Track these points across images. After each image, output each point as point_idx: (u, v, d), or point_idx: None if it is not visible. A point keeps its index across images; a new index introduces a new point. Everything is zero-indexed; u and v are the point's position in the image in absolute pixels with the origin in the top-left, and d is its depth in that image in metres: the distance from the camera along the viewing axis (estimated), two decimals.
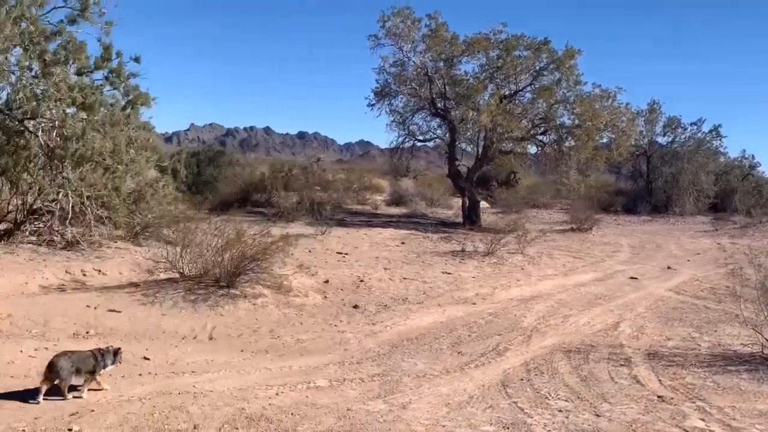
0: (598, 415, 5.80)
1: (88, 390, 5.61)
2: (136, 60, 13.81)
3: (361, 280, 12.48)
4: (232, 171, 28.16)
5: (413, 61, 23.95)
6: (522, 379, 6.95)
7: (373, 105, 25.79)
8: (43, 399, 5.36)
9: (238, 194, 26.00)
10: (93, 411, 5.09)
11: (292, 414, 5.15)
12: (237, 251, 10.56)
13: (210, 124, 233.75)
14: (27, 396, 5.42)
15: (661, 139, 38.38)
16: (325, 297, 11.19)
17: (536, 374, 7.18)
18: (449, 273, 13.93)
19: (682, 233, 26.17)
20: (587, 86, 22.94)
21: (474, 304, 11.30)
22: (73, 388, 5.58)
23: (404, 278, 13.06)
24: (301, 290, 11.15)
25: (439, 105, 24.41)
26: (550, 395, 6.37)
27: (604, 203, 35.42)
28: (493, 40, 22.96)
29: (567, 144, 22.97)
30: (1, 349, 7.13)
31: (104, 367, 5.79)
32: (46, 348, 7.26)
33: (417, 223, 24.34)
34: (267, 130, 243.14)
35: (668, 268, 16.39)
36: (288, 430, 4.78)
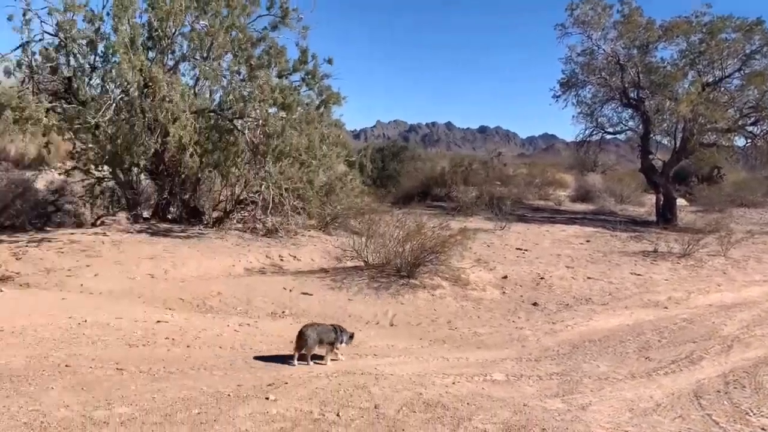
0: None
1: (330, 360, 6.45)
2: (329, 62, 14.76)
3: (542, 278, 12.16)
4: (414, 165, 28.90)
5: (603, 50, 22.71)
6: (718, 392, 6.31)
7: (558, 96, 24.92)
8: (297, 363, 6.29)
9: (419, 188, 26.64)
10: (286, 384, 5.55)
11: (467, 404, 5.20)
12: (417, 243, 10.87)
13: (394, 121, 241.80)
14: (286, 359, 6.38)
15: None
16: (503, 292, 11.08)
17: (736, 387, 6.48)
18: (639, 274, 13.04)
19: None
20: None
21: (666, 308, 10.47)
22: (315, 357, 6.40)
23: (588, 278, 12.48)
24: (478, 284, 11.16)
25: (631, 95, 22.88)
26: (752, 411, 5.72)
27: None
28: (695, 23, 20.97)
29: None
30: (212, 322, 8.05)
31: (341, 342, 6.52)
32: (249, 324, 8.07)
33: (604, 220, 23.08)
34: (448, 125, 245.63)
35: None
36: (463, 418, 4.84)
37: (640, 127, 23.50)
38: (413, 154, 31.56)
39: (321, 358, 6.44)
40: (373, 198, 18.19)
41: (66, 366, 5.71)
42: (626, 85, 22.57)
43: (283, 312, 9.09)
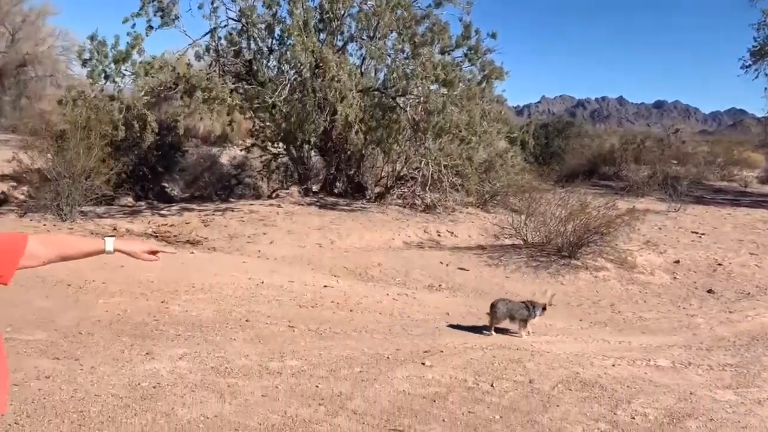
0: None
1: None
2: (493, 36, 14.58)
3: (719, 264, 11.18)
4: (580, 142, 27.71)
5: None
6: None
7: (748, 67, 22.45)
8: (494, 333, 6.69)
9: (585, 166, 25.53)
10: (442, 352, 5.72)
11: (627, 386, 5.01)
12: (580, 222, 10.49)
13: (560, 96, 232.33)
14: (482, 329, 6.78)
15: None
16: (674, 278, 10.37)
17: None
18: None
19: None
20: None
21: None
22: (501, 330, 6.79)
23: None
24: (646, 268, 10.54)
25: None
26: None
27: None
28: None
29: None
30: (373, 290, 8.46)
31: (533, 316, 6.76)
32: (406, 294, 8.36)
33: None
34: (620, 100, 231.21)
35: None
36: (622, 400, 4.67)
37: None
38: (579, 130, 30.23)
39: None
40: (535, 175, 17.75)
41: (246, 321, 6.34)
42: None
43: (440, 285, 9.28)
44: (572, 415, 4.38)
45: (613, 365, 5.73)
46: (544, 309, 6.87)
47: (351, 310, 7.21)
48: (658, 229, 14.41)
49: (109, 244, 2.08)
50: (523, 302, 6.84)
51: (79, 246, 2.05)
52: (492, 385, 4.87)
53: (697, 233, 14.33)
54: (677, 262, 11.25)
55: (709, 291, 9.71)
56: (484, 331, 6.69)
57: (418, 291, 8.89)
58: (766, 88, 22.95)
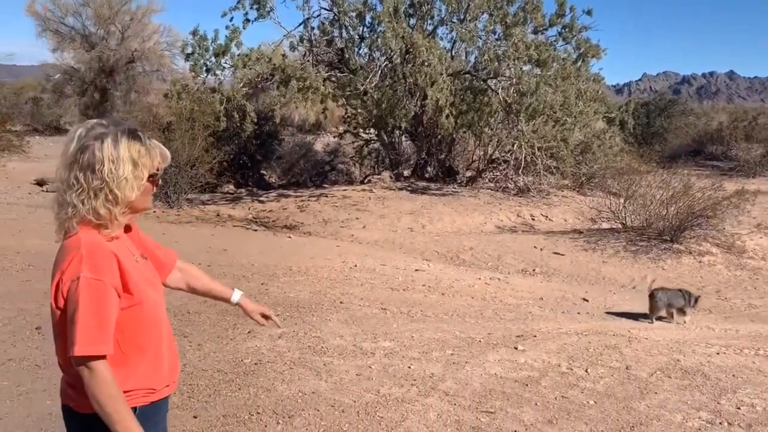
0: None
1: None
2: (588, 13, 14.05)
3: None
4: (685, 121, 26.23)
5: None
6: None
7: None
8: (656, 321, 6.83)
9: (691, 146, 24.19)
10: (535, 337, 5.67)
11: (733, 375, 4.77)
12: (683, 205, 10.00)
13: (664, 73, 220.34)
14: (644, 317, 6.97)
15: None
16: None
17: None
18: None
19: None
20: None
21: None
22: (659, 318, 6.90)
23: None
24: (757, 252, 9.91)
25: None
26: None
27: None
28: None
29: None
30: (464, 274, 8.47)
31: (692, 305, 6.89)
32: (499, 279, 8.31)
33: None
34: (730, 74, 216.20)
35: None
36: (726, 390, 4.46)
37: None
38: (684, 108, 28.58)
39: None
40: (635, 157, 17.00)
41: (340, 303, 6.54)
42: None
43: (534, 270, 9.15)
44: (671, 402, 4.24)
45: (718, 353, 5.47)
46: (697, 300, 6.96)
47: (442, 294, 7.27)
48: None
49: (236, 296, 2.27)
50: (680, 290, 7.00)
51: (210, 286, 2.24)
52: (587, 371, 4.79)
53: None
54: None
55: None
56: (645, 320, 6.79)
57: (511, 276, 8.82)
58: None
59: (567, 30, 14.14)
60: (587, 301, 7.40)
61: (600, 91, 15.92)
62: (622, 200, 11.08)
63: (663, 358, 5.15)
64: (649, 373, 4.78)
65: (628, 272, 8.99)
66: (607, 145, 14.88)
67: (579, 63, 14.32)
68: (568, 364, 4.93)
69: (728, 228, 10.21)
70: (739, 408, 4.25)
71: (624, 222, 10.86)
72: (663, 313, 6.82)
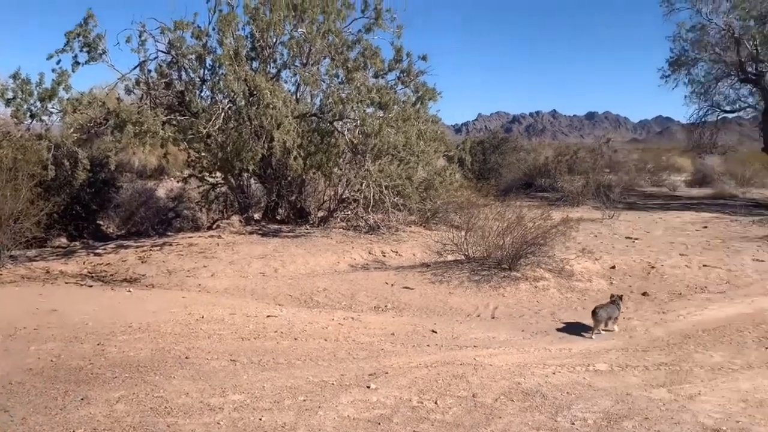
0: None
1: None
2: (423, 58, 14.89)
3: (653, 267, 11.63)
4: (516, 157, 28.39)
5: (716, 23, 21.29)
6: None
7: (667, 77, 23.69)
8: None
9: (523, 179, 26.17)
10: (387, 373, 5.75)
11: (567, 393, 5.16)
12: (518, 234, 10.75)
13: (496, 113, 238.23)
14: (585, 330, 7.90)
15: None
16: (611, 283, 10.72)
17: None
18: (762, 260, 12.16)
19: None
20: None
21: None
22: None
23: (704, 265, 11.79)
24: (584, 275, 10.87)
25: (749, 69, 21.31)
26: None
27: None
28: None
29: None
30: (318, 317, 8.42)
31: (619, 311, 7.99)
32: (352, 318, 8.36)
33: (724, 204, 21.63)
34: (553, 113, 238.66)
35: None
36: (562, 407, 4.81)
37: (761, 103, 21.81)
38: (515, 145, 30.94)
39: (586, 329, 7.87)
40: (475, 191, 18.09)
41: (185, 358, 6.21)
42: (743, 60, 21.09)
43: (386, 306, 9.32)
44: (514, 425, 4.47)
45: (554, 373, 5.89)
46: (621, 298, 8.20)
47: (295, 339, 7.16)
48: (593, 237, 14.88)
49: None
50: (612, 301, 8.05)
51: None
52: (436, 402, 4.93)
53: (630, 238, 14.87)
54: (613, 267, 11.63)
55: (644, 294, 10.08)
56: (587, 334, 7.76)
57: (364, 313, 8.91)
58: (685, 96, 24.15)
59: (405, 74, 14.87)
60: (436, 332, 7.66)
61: (439, 131, 16.81)
62: (463, 233, 11.70)
63: (506, 382, 5.44)
64: (493, 399, 5.02)
65: (472, 301, 9.45)
66: (448, 182, 15.67)
67: (418, 105, 15.06)
68: (419, 397, 5.05)
69: (558, 254, 11.11)
70: (573, 423, 4.58)
71: (467, 253, 11.45)
72: (603, 326, 7.80)
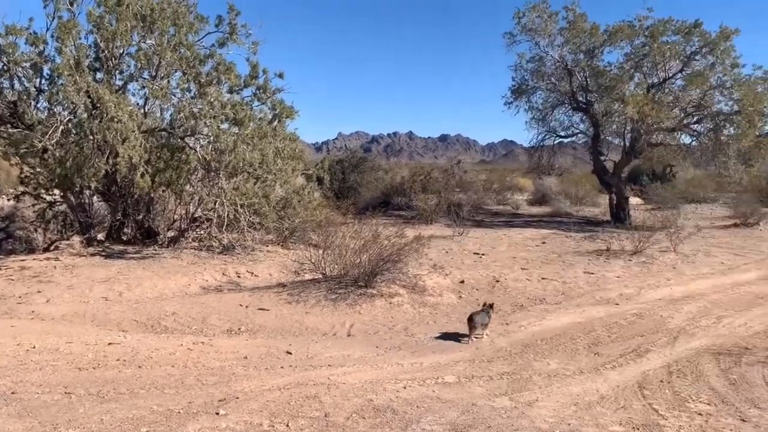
0: (743, 420, 5.34)
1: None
2: (280, 76, 14.83)
3: (497, 280, 12.36)
4: (374, 176, 29.04)
5: (551, 56, 23.24)
6: (662, 381, 6.54)
7: (510, 103, 25.38)
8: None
9: (380, 198, 26.78)
10: (237, 398, 5.56)
11: (417, 407, 5.29)
12: (374, 252, 10.95)
13: (356, 132, 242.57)
14: (462, 337, 8.46)
15: None
16: (460, 297, 11.22)
17: (678, 377, 6.73)
18: (591, 273, 13.36)
19: None
20: (746, 69, 20.90)
21: (617, 304, 10.75)
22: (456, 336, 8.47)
23: (542, 278, 12.73)
24: (436, 290, 11.28)
25: (580, 99, 23.45)
26: (691, 398, 5.95)
27: None
28: (637, 27, 21.61)
29: (725, 132, 20.95)
30: (166, 342, 7.98)
31: (489, 318, 8.63)
32: (203, 342, 8.02)
33: (560, 222, 23.56)
34: (410, 134, 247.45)
35: None
36: (411, 421, 4.92)
37: (591, 129, 24.09)
38: (373, 164, 31.69)
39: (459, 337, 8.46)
40: (334, 210, 18.20)
41: (12, 393, 5.61)
42: (575, 90, 23.14)
43: (239, 329, 9.05)
44: None
45: (405, 387, 6.02)
46: (491, 307, 8.95)
47: (140, 367, 6.72)
48: (445, 253, 15.54)
49: None
50: (484, 310, 8.72)
51: None
52: (287, 425, 4.84)
53: (478, 254, 15.70)
54: (462, 282, 12.20)
55: (490, 306, 10.64)
56: (464, 340, 8.36)
57: (216, 337, 8.58)
58: (526, 122, 26.05)
59: (261, 91, 14.70)
60: (291, 353, 7.55)
61: (297, 149, 16.75)
62: (321, 252, 11.71)
63: (358, 400, 5.47)
64: (345, 417, 5.02)
65: (329, 320, 9.44)
66: (306, 200, 15.65)
67: (275, 123, 14.93)
68: (270, 421, 4.93)
69: (411, 270, 11.44)
70: None
71: (324, 272, 11.46)
72: (479, 331, 8.42)
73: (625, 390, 6.23)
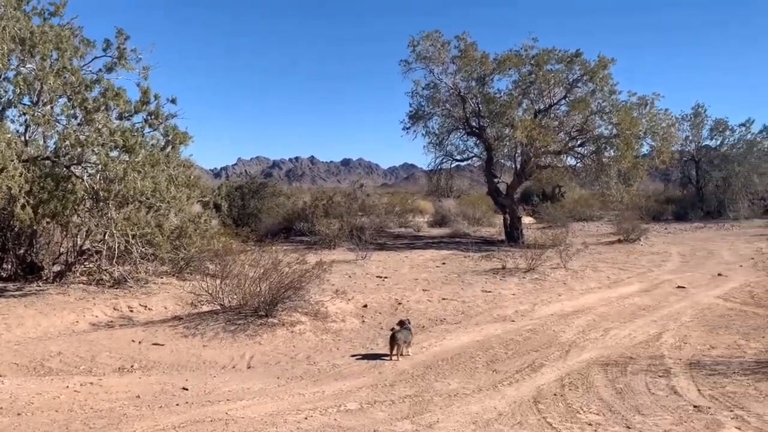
0: (629, 428, 5.69)
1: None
2: (173, 101, 14.35)
3: (400, 303, 12.52)
4: (276, 201, 28.70)
5: (445, 83, 24.13)
6: (555, 395, 6.86)
7: (408, 128, 26.03)
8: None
9: (282, 224, 26.49)
10: None
11: None
12: (274, 280, 10.78)
13: (257, 157, 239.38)
14: (383, 356, 8.77)
15: (709, 143, 37.49)
16: (363, 321, 11.27)
17: (570, 389, 7.08)
18: (489, 291, 13.83)
19: (736, 238, 25.31)
20: (623, 95, 22.64)
21: (513, 321, 11.19)
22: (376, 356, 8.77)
23: (443, 299, 13.04)
24: (339, 316, 11.27)
25: (473, 124, 24.45)
26: (582, 409, 6.28)
27: (653, 212, 34.69)
28: (524, 56, 22.91)
29: (606, 154, 22.56)
30: (50, 385, 7.47)
31: (412, 335, 9.02)
32: (91, 383, 7.57)
33: (459, 242, 24.27)
34: (312, 159, 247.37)
35: (718, 275, 15.89)
36: None
37: (484, 153, 25.13)
38: (274, 189, 31.28)
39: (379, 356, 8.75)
40: (232, 238, 17.77)
41: None
42: (468, 115, 24.10)
43: (132, 366, 8.61)
44: None
45: (306, 418, 5.95)
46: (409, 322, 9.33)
47: (19, 414, 6.24)
48: (348, 278, 15.58)
49: None
50: (405, 326, 9.00)
51: None
52: None
53: (381, 277, 15.87)
54: (365, 306, 12.27)
55: (392, 329, 10.74)
56: (384, 358, 8.67)
57: (106, 376, 8.12)
58: (424, 146, 26.82)
59: (153, 117, 14.19)
60: (187, 389, 7.27)
61: (192, 176, 16.29)
62: (219, 282, 11.40)
63: None
64: None
65: (228, 352, 9.19)
66: (203, 229, 15.19)
67: (168, 149, 14.44)
68: None
69: (314, 297, 11.37)
70: None
71: (222, 303, 11.15)
72: (404, 349, 8.71)
73: (522, 405, 6.47)
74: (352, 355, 9.07)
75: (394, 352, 8.65)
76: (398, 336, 8.64)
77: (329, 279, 12.52)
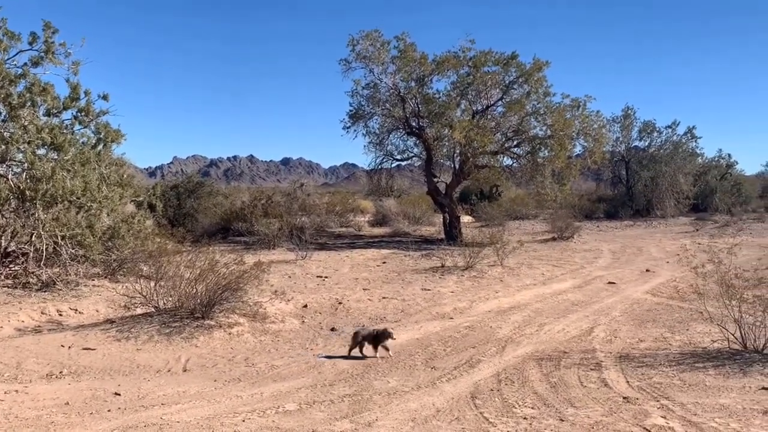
0: (562, 420, 5.88)
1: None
2: (104, 98, 13.92)
3: (340, 302, 12.52)
4: (213, 201, 28.14)
5: (385, 83, 24.24)
6: (492, 390, 7.01)
7: (348, 128, 26.02)
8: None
9: (220, 224, 26.00)
10: None
11: None
12: (211, 281, 10.59)
13: (193, 156, 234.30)
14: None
15: (638, 144, 39.09)
16: (303, 321, 11.22)
17: (506, 384, 7.25)
18: (428, 289, 14.00)
19: (663, 235, 26.51)
20: (557, 97, 23.32)
21: (451, 318, 11.37)
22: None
23: (383, 297, 13.12)
24: (278, 316, 11.18)
25: (413, 124, 24.66)
26: (517, 404, 6.45)
27: (586, 210, 35.92)
28: (462, 57, 23.26)
29: (541, 155, 23.18)
30: None
31: (386, 339, 8.69)
32: (16, 391, 7.25)
33: (399, 242, 24.44)
34: (251, 158, 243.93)
35: (647, 270, 16.59)
36: None
37: (424, 153, 25.40)
38: (211, 189, 30.66)
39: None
40: (169, 238, 17.31)
41: None
42: (408, 116, 24.30)
43: (61, 372, 8.29)
44: None
45: (244, 420, 5.89)
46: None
47: None
48: (287, 278, 15.45)
49: None
50: (374, 329, 9.02)
51: None
52: None
53: (321, 277, 15.81)
54: (305, 306, 12.22)
55: (332, 329, 10.75)
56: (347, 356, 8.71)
57: (33, 383, 7.78)
58: (364, 146, 26.89)
59: (83, 114, 13.70)
60: (120, 395, 7.05)
61: (125, 175, 15.82)
62: (153, 283, 11.10)
63: None
64: None
65: (163, 356, 8.96)
66: (136, 229, 14.75)
67: (99, 147, 13.98)
68: None
69: (252, 298, 11.22)
70: None
71: (157, 305, 10.87)
72: (366, 351, 8.71)
73: (459, 401, 6.59)
74: (291, 356, 9.02)
75: (360, 350, 8.73)
76: (360, 334, 8.77)
77: (268, 279, 12.39)
